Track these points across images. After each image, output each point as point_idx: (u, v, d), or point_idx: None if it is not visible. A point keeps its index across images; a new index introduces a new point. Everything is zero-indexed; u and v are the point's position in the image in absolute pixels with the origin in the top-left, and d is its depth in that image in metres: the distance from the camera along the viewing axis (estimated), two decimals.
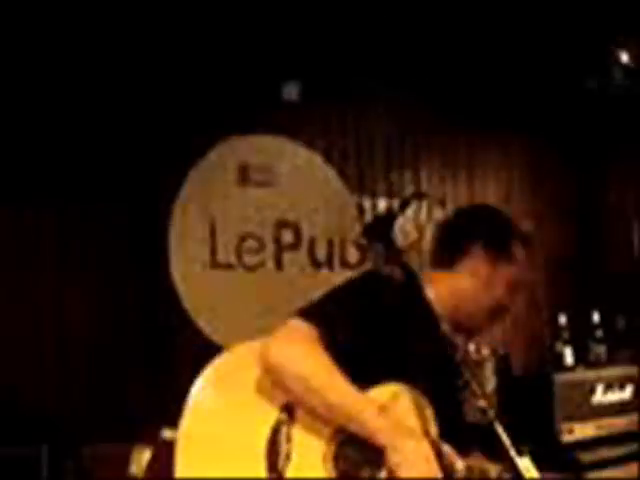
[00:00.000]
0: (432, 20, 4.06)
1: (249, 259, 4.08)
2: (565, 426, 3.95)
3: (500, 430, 1.57)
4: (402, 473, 1.58)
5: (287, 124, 4.26)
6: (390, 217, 1.89)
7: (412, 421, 1.68)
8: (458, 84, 4.60)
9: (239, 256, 4.08)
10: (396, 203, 4.35)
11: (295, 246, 4.21)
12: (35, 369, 3.61)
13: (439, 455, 1.62)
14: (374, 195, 4.45)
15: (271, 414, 1.68)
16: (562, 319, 4.51)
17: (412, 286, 1.90)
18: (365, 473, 1.64)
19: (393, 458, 1.59)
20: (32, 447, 3.26)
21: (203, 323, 3.91)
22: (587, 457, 3.89)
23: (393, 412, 1.68)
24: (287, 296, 4.00)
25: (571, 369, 4.32)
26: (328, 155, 4.38)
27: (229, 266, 4.05)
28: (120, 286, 3.80)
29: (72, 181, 3.75)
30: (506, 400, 4.09)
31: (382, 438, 1.61)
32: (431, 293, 1.96)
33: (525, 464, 1.60)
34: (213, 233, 4.04)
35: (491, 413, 1.59)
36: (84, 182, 3.76)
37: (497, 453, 1.63)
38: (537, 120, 4.90)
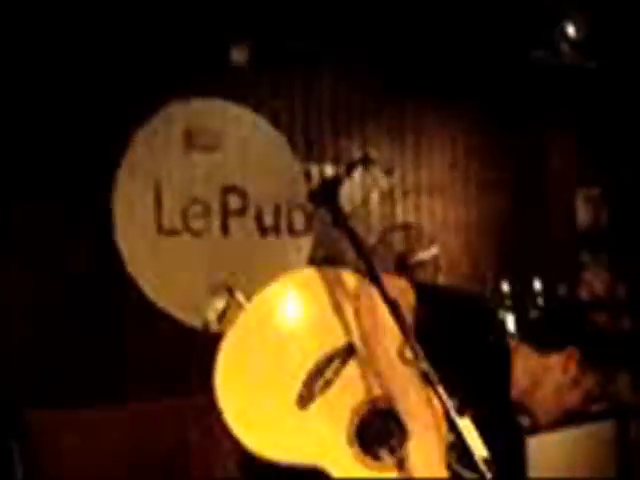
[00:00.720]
0: None
1: (195, 224, 4.05)
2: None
3: (442, 392, 1.59)
4: (414, 463, 1.60)
5: (235, 88, 4.21)
6: (335, 182, 1.87)
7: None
8: (407, 51, 4.59)
9: (185, 221, 4.04)
10: (346, 169, 4.35)
11: (242, 212, 4.19)
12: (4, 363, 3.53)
13: None
14: (321, 161, 4.44)
15: (334, 341, 1.68)
16: (504, 286, 4.59)
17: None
18: (381, 446, 1.65)
19: (413, 444, 1.62)
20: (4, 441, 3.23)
21: (148, 289, 3.88)
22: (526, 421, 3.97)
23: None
24: (233, 262, 3.99)
25: (512, 336, 4.40)
26: (276, 121, 4.34)
27: (175, 232, 4.01)
28: (64, 252, 3.73)
29: (13, 145, 3.65)
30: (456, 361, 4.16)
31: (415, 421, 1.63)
32: None
33: (465, 424, 1.62)
34: (158, 198, 3.99)
35: (432, 374, 1.61)
36: (26, 145, 3.67)
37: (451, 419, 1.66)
38: (484, 89, 4.94)
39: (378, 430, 1.66)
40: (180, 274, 3.95)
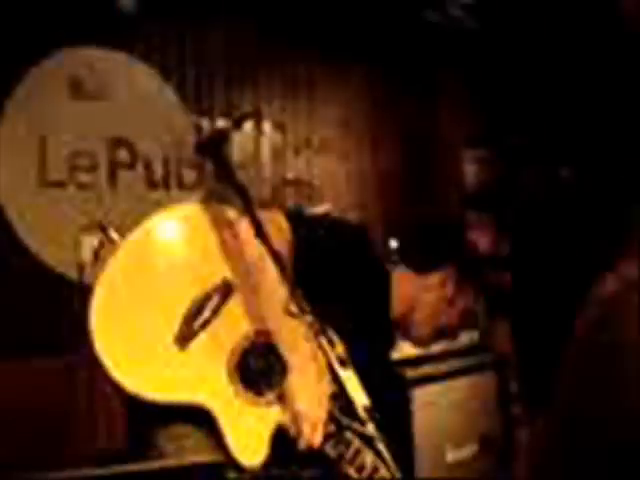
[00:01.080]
0: None
1: (81, 177, 3.94)
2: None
3: (325, 343, 1.61)
4: (295, 395, 1.61)
5: (124, 38, 4.09)
6: (222, 134, 1.86)
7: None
8: (301, 6, 4.57)
9: (71, 174, 3.92)
10: (235, 123, 4.31)
11: (130, 165, 4.10)
12: None
13: None
14: (212, 115, 4.38)
15: (210, 280, 1.66)
16: (393, 243, 4.67)
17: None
18: (264, 379, 1.65)
19: (293, 377, 1.63)
20: None
21: (31, 241, 3.76)
22: (411, 374, 4.08)
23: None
24: (120, 216, 3.91)
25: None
26: (166, 73, 4.25)
27: (60, 184, 3.89)
28: None
29: None
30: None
31: (295, 354, 1.65)
32: None
33: (348, 375, 1.66)
34: (43, 149, 3.85)
35: (316, 328, 1.63)
36: None
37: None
38: (376, 48, 4.97)
39: (258, 366, 1.67)
40: (64, 227, 3.84)
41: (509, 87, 5.37)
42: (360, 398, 1.68)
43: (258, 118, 4.37)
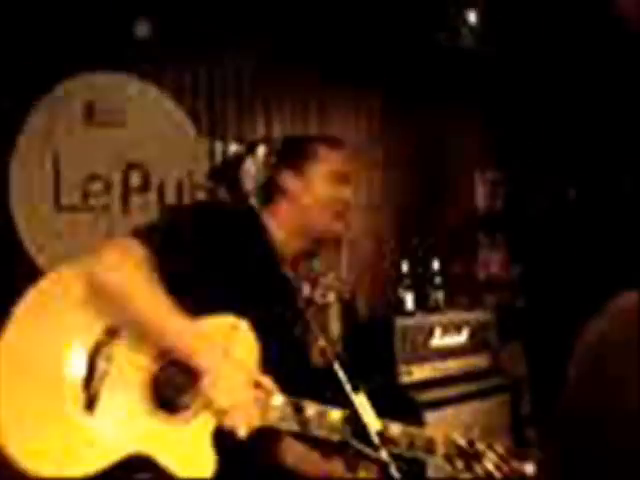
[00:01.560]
0: None
1: (95, 201, 3.97)
2: (405, 368, 4.12)
3: (338, 368, 1.62)
4: (211, 394, 1.60)
5: (138, 63, 4.13)
6: (236, 160, 1.89)
7: (237, 352, 1.70)
8: (312, 32, 4.60)
9: (84, 197, 3.95)
10: (249, 149, 4.33)
11: (143, 189, 4.13)
12: None
13: (258, 387, 1.66)
14: (225, 139, 4.41)
15: (93, 335, 1.66)
16: (404, 266, 4.68)
17: (253, 223, 1.94)
18: (183, 398, 1.64)
19: (205, 379, 1.61)
20: None
21: (43, 263, 3.78)
22: (424, 397, 4.07)
23: (217, 339, 1.69)
24: None
25: (411, 314, 4.50)
26: (179, 97, 4.29)
27: (73, 207, 3.92)
28: None
29: None
30: (351, 343, 4.23)
31: (202, 361, 1.62)
32: (274, 226, 2.01)
33: (360, 400, 1.66)
34: (57, 172, 3.89)
35: (330, 352, 1.64)
36: None
37: (337, 393, 1.69)
38: (388, 70, 5.00)
39: (171, 389, 1.68)
40: (77, 250, 3.84)
41: (519, 109, 5.39)
42: (373, 423, 1.68)
43: (270, 143, 4.40)
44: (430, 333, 4.31)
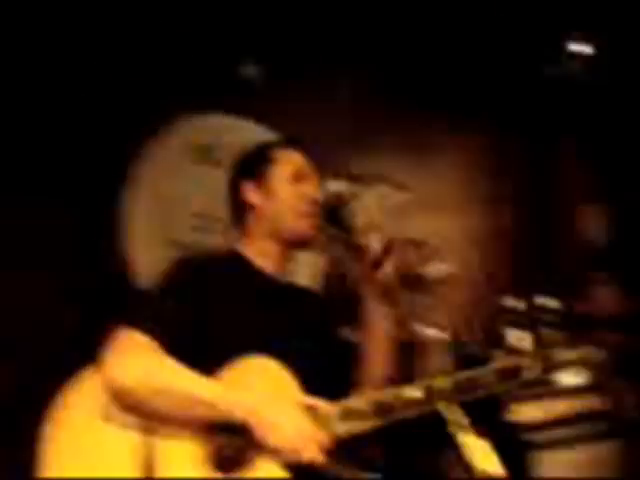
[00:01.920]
0: (390, 4, 4.06)
1: (204, 238, 4.06)
2: (515, 407, 4.02)
3: (445, 407, 1.58)
4: (271, 441, 1.57)
5: (243, 103, 4.23)
6: (345, 199, 1.90)
7: (270, 388, 1.68)
8: (419, 67, 4.61)
9: (194, 236, 4.05)
10: (355, 186, 4.35)
11: None
12: None
13: (310, 409, 1.63)
14: (336, 177, 4.43)
15: (132, 429, 1.65)
16: (513, 303, 4.57)
17: (233, 261, 1.95)
18: (245, 456, 1.61)
19: (261, 433, 1.58)
20: None
21: None
22: (535, 438, 3.96)
23: (247, 385, 1.68)
24: None
25: (517, 352, 4.38)
26: (285, 135, 4.35)
27: (184, 246, 4.02)
28: (72, 260, 3.75)
29: (25, 157, 3.69)
30: None
31: (247, 417, 1.59)
32: (252, 252, 1.98)
33: (470, 440, 1.62)
34: (168, 213, 4.01)
35: (437, 389, 1.61)
36: (38, 155, 3.71)
37: (441, 432, 1.65)
38: (493, 104, 4.94)
39: (229, 451, 1.64)
40: None
41: (627, 140, 5.23)
42: (486, 465, 1.64)
43: (378, 179, 4.41)
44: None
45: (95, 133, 3.82)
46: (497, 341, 4.50)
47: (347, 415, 1.65)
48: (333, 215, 1.86)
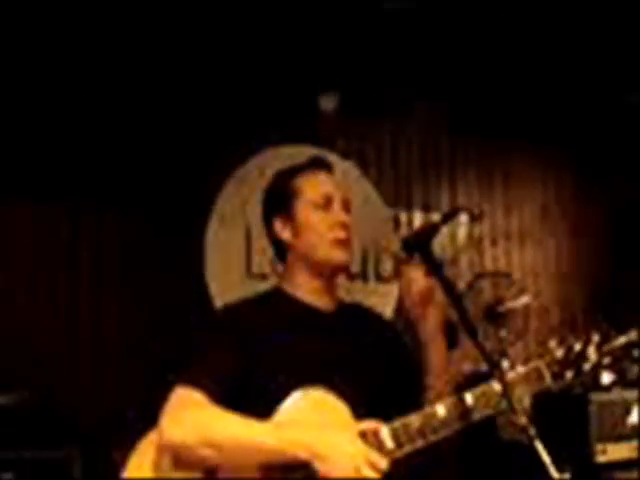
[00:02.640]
0: (468, 32, 4.05)
1: None
2: (600, 447, 3.89)
3: (541, 449, 1.54)
4: (333, 474, 1.55)
5: (323, 135, 4.27)
6: (430, 231, 1.87)
7: (325, 420, 1.66)
8: (496, 97, 4.57)
9: (274, 266, 4.08)
10: (433, 216, 4.33)
11: None
12: (70, 372, 3.64)
13: (364, 436, 1.61)
14: (410, 207, 4.43)
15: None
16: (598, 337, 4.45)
17: (275, 298, 1.91)
18: None
19: (320, 467, 1.56)
20: (65, 450, 3.28)
21: None
22: (620, 478, 3.83)
23: (302, 420, 1.66)
24: None
25: (607, 389, 4.25)
26: (364, 167, 4.37)
27: (264, 276, 4.05)
28: (156, 291, 3.83)
29: (113, 185, 3.80)
30: (540, 418, 4.04)
31: (300, 453, 1.58)
32: (293, 287, 1.93)
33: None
34: (248, 243, 4.06)
35: (532, 431, 1.57)
36: (125, 186, 3.82)
37: (536, 472, 1.60)
38: (575, 132, 4.86)
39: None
40: None
41: None
42: None
43: (459, 212, 4.37)
44: (627, 410, 4.06)
45: (181, 165, 3.90)
46: (592, 379, 4.37)
47: (401, 435, 1.65)
48: (421, 246, 1.82)
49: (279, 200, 1.97)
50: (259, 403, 1.68)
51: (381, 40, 4.07)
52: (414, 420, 1.67)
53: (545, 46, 4.20)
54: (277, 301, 1.91)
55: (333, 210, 1.96)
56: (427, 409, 1.70)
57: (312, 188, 1.96)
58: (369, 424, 1.66)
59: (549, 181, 4.94)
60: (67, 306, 3.71)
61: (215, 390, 1.69)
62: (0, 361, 3.44)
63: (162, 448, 1.68)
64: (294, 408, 1.69)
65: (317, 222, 1.92)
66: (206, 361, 1.76)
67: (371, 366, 1.85)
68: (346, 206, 2.03)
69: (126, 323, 3.76)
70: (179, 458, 1.66)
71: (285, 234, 1.94)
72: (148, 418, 1.74)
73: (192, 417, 1.66)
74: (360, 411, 1.70)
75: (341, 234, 1.95)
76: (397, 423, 1.66)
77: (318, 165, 2.02)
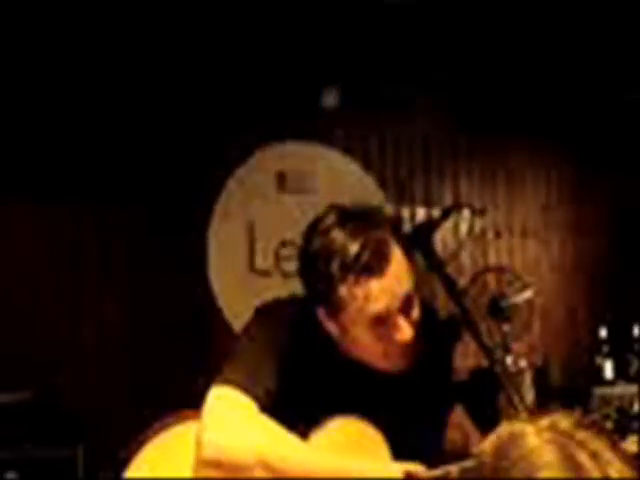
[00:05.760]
0: (470, 29, 4.04)
1: (287, 266, 4.07)
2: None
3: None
4: None
5: (325, 131, 4.26)
6: (431, 226, 1.86)
7: (366, 449, 1.60)
8: (499, 93, 4.56)
9: (277, 263, 4.08)
10: (435, 212, 4.32)
11: None
12: (74, 370, 3.65)
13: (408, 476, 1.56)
14: (412, 203, 4.42)
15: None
16: (602, 332, 4.45)
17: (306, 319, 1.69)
18: None
19: None
20: (69, 448, 3.29)
21: (238, 325, 3.91)
22: None
23: (340, 446, 1.60)
24: None
25: (611, 383, 4.26)
26: (366, 163, 4.37)
27: (266, 272, 4.05)
28: (159, 289, 3.83)
29: (115, 184, 3.80)
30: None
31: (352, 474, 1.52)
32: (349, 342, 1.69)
33: None
34: (251, 239, 4.06)
35: None
36: (127, 185, 3.82)
37: None
38: (578, 129, 4.84)
39: None
40: None
41: None
42: None
43: (461, 208, 4.35)
44: (630, 404, 4.05)
45: (182, 162, 3.90)
46: (595, 374, 4.36)
47: None
48: (422, 242, 1.79)
49: (322, 292, 1.59)
50: (293, 419, 1.59)
51: (382, 35, 4.06)
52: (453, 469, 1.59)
53: (546, 44, 4.19)
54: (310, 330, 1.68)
55: (389, 324, 1.58)
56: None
57: (364, 306, 1.55)
58: (414, 465, 1.59)
59: (551, 178, 4.93)
60: (71, 306, 3.72)
61: (261, 399, 1.57)
62: (3, 360, 3.45)
63: (205, 455, 1.54)
64: (332, 432, 1.62)
65: (368, 337, 1.60)
66: (254, 365, 1.63)
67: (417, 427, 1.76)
68: (407, 306, 1.59)
69: (130, 322, 3.77)
70: (221, 465, 1.53)
71: (331, 327, 1.64)
72: (153, 417, 1.72)
73: (249, 433, 1.53)
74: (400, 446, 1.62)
75: (398, 349, 1.62)
76: (439, 471, 1.60)
77: (368, 270, 1.54)
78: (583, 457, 0.87)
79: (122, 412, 3.54)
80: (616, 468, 0.87)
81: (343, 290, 1.54)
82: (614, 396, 4.04)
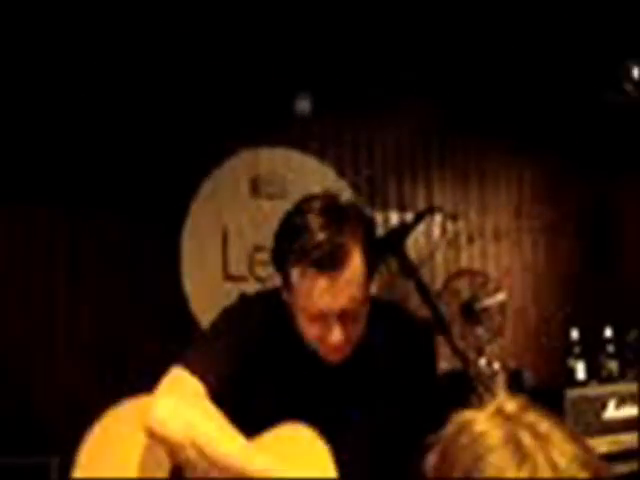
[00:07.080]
0: (441, 32, 4.07)
1: (261, 271, 4.08)
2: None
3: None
4: None
5: (298, 136, 4.27)
6: (403, 231, 1.88)
7: (302, 457, 1.59)
8: (470, 96, 4.60)
9: (251, 268, 4.08)
10: (408, 216, 4.34)
11: None
12: (46, 378, 3.61)
13: None
14: (386, 208, 4.44)
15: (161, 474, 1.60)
16: (574, 334, 4.49)
17: (278, 313, 1.73)
18: None
19: None
20: (42, 457, 3.25)
21: None
22: None
23: (279, 452, 1.58)
24: None
25: (583, 384, 4.29)
26: (340, 168, 4.38)
27: (241, 278, 4.05)
28: (132, 293, 3.81)
29: (86, 185, 3.77)
30: None
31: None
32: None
33: None
34: (225, 244, 4.05)
35: None
36: (98, 187, 3.79)
37: None
38: (550, 131, 4.89)
39: None
40: None
41: None
42: None
43: (434, 212, 4.37)
44: (603, 405, 4.09)
45: (156, 165, 3.88)
46: (568, 375, 4.39)
47: None
48: (394, 246, 1.81)
49: (278, 264, 1.66)
50: (241, 414, 1.62)
51: (356, 39, 4.08)
52: None
53: (520, 45, 4.22)
54: (285, 336, 1.72)
55: (327, 326, 1.61)
56: None
57: (305, 297, 1.59)
58: None
59: (524, 180, 4.97)
60: (43, 309, 3.68)
61: (212, 385, 1.61)
62: None
63: (147, 425, 1.61)
64: (277, 437, 1.63)
65: (307, 331, 1.64)
66: (212, 353, 1.68)
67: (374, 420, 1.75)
68: (348, 319, 1.61)
69: (103, 326, 3.74)
70: (157, 441, 1.60)
71: (284, 295, 1.68)
72: None
73: (188, 413, 1.57)
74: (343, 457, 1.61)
75: (329, 352, 1.66)
76: None
77: (320, 266, 1.56)
78: (527, 439, 0.89)
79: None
80: (561, 449, 0.89)
81: (294, 273, 1.58)
82: (587, 397, 4.08)
